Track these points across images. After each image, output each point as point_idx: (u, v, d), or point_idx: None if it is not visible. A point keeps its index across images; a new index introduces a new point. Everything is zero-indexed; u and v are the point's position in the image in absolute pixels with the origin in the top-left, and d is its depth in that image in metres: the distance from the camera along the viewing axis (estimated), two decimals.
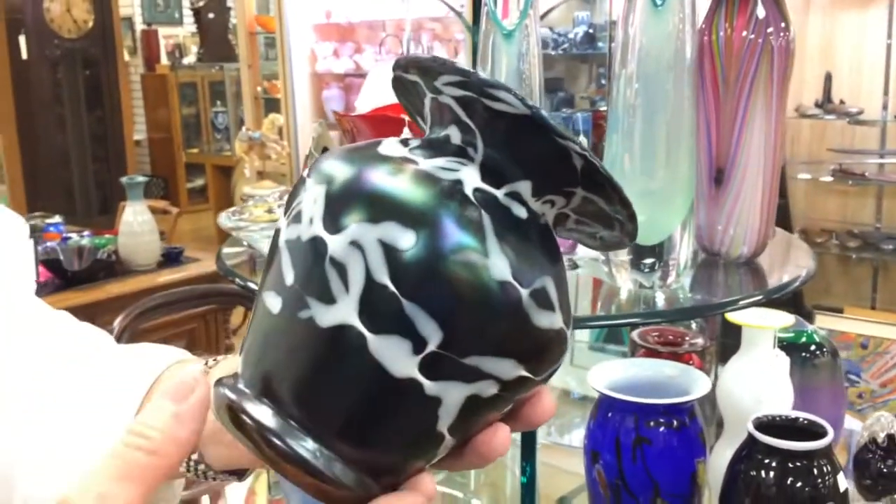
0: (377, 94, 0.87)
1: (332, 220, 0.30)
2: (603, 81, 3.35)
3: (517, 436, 1.03)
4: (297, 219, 0.31)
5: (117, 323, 1.53)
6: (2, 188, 4.70)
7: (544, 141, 0.31)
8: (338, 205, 0.30)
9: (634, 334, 0.95)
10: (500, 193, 0.31)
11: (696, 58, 0.72)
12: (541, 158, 0.31)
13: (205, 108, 6.10)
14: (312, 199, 0.31)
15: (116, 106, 5.01)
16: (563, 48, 3.32)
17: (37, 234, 2.44)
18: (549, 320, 0.31)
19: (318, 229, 0.30)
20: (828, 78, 3.16)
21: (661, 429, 0.71)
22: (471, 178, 0.31)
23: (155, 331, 1.75)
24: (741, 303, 0.72)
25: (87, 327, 0.53)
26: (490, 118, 0.31)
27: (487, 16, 0.68)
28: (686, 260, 0.73)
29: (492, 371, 0.30)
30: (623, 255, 0.72)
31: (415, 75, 0.34)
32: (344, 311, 0.29)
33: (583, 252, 0.83)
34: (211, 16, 5.84)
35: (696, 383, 0.73)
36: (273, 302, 0.31)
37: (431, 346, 0.29)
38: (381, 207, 0.29)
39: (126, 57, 5.51)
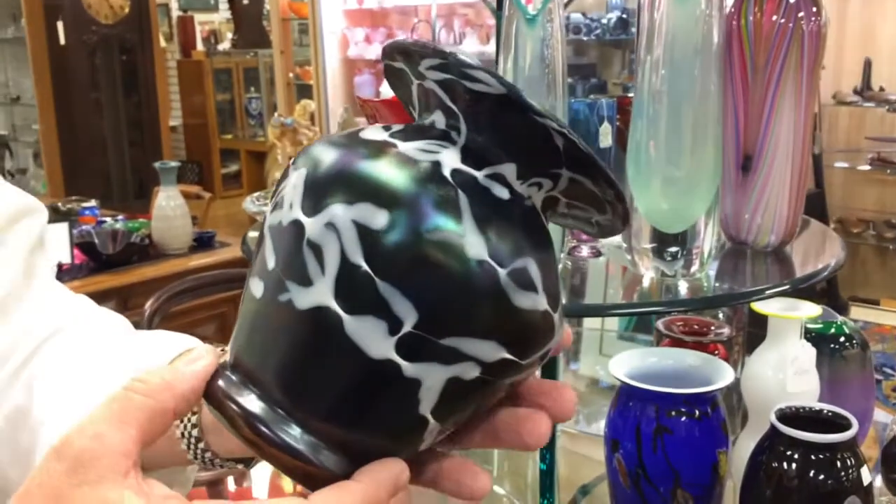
0: None
1: (310, 204, 0.30)
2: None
3: None
4: (279, 204, 0.31)
5: (149, 305, 1.56)
6: (40, 173, 4.78)
7: (523, 120, 0.30)
8: (315, 188, 0.30)
9: (659, 323, 0.94)
10: (480, 175, 0.31)
11: (724, 43, 0.70)
12: (523, 140, 0.31)
13: (239, 94, 6.15)
14: (293, 185, 0.31)
15: (152, 92, 5.07)
16: (595, 34, 3.29)
17: (73, 217, 2.48)
18: (531, 301, 0.30)
19: (297, 213, 0.30)
20: (867, 64, 3.09)
21: (683, 419, 0.70)
22: (450, 159, 0.31)
23: (186, 314, 1.78)
24: (767, 292, 0.71)
25: (105, 311, 0.54)
26: (471, 100, 0.31)
27: (511, 0, 0.68)
28: (710, 248, 0.72)
29: (472, 353, 0.30)
30: (646, 244, 0.72)
31: (400, 62, 0.34)
32: (320, 293, 0.29)
33: (606, 239, 0.82)
34: (245, 2, 5.88)
35: (719, 373, 0.73)
36: (256, 287, 0.32)
37: (407, 327, 0.29)
38: (357, 189, 0.29)
39: (162, 43, 5.57)
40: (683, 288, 0.71)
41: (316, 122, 3.87)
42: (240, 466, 0.45)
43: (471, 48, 3.42)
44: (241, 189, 5.85)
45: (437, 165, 0.30)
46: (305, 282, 0.29)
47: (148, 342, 0.49)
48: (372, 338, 0.29)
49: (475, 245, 0.29)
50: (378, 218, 0.29)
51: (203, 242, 2.52)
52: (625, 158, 0.73)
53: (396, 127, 0.33)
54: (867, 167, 3.20)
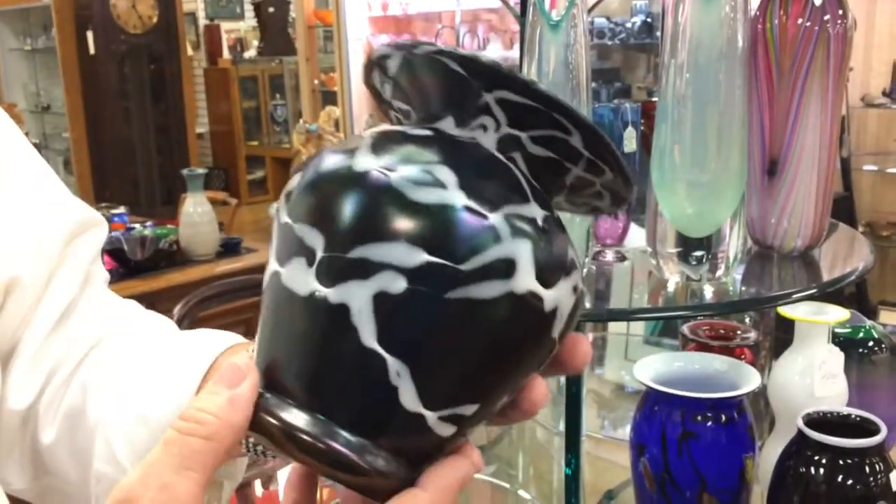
0: None
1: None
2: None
3: (562, 427, 1.03)
4: None
5: (177, 311, 1.57)
6: (70, 180, 4.85)
7: (429, 65, 0.32)
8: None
9: (685, 328, 0.93)
10: (403, 128, 0.33)
11: (750, 46, 0.70)
12: (443, 86, 0.32)
13: (264, 101, 6.21)
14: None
15: (180, 99, 5.13)
16: (620, 38, 3.28)
17: None
18: (437, 196, 0.29)
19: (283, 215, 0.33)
20: None
21: (709, 423, 0.70)
22: (382, 130, 0.33)
23: (213, 319, 1.79)
24: (794, 296, 0.70)
25: (152, 314, 0.57)
26: (404, 72, 0.34)
27: (535, 6, 0.68)
28: (736, 253, 0.71)
29: (383, 259, 0.28)
30: (671, 248, 0.72)
31: (374, 79, 0.36)
32: (271, 264, 0.32)
33: (631, 244, 0.82)
34: (271, 10, 5.93)
35: (745, 378, 0.72)
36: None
37: (319, 253, 0.30)
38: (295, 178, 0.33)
39: (189, 51, 5.63)
40: (709, 292, 0.71)
41: (340, 129, 3.90)
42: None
43: (495, 53, 3.43)
44: (267, 195, 5.90)
45: (363, 139, 0.32)
46: (268, 262, 0.33)
47: (193, 342, 0.51)
48: (299, 278, 0.30)
49: (363, 161, 0.30)
50: (295, 180, 0.32)
51: (229, 248, 2.54)
52: (649, 163, 0.73)
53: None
54: None
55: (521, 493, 1.01)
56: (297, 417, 0.29)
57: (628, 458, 0.76)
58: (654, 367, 0.74)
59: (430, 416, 0.29)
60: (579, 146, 0.32)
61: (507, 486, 1.03)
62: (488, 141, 0.32)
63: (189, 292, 1.70)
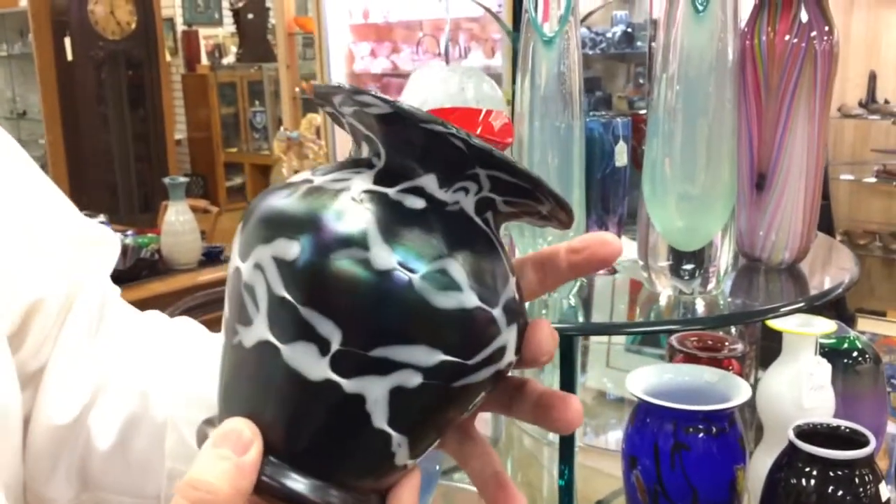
0: (417, 97, 0.88)
1: (243, 249, 0.32)
2: (641, 81, 3.33)
3: (555, 438, 1.03)
4: (231, 257, 0.34)
5: None
6: None
7: (420, 132, 0.31)
8: (246, 235, 0.32)
9: (673, 339, 0.94)
10: (391, 191, 0.32)
11: (738, 62, 0.71)
12: (431, 150, 0.32)
13: (243, 108, 6.18)
14: (237, 237, 0.33)
15: (158, 106, 5.10)
16: (601, 48, 3.31)
17: None
18: (455, 300, 0.30)
19: (236, 260, 0.32)
20: (872, 77, 3.11)
21: (701, 435, 0.71)
22: (361, 183, 0.32)
23: None
24: (783, 310, 0.71)
25: (180, 318, 0.60)
26: (378, 124, 0.32)
27: (528, 23, 0.69)
28: (726, 266, 0.72)
29: (405, 360, 0.30)
30: (662, 261, 0.72)
31: (328, 107, 0.35)
32: (259, 329, 0.31)
33: (622, 256, 0.83)
34: (250, 16, 5.91)
35: (736, 390, 0.73)
36: (222, 338, 0.34)
37: (335, 346, 0.30)
38: (273, 226, 0.31)
39: (167, 57, 5.60)
40: (700, 305, 0.72)
41: (321, 136, 3.89)
42: None
43: (476, 62, 3.44)
44: (246, 202, 5.87)
45: (344, 190, 0.31)
46: (247, 321, 0.31)
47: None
48: (307, 362, 0.30)
49: (382, 257, 0.30)
50: (291, 249, 0.30)
51: (211, 257, 2.53)
52: (638, 176, 0.74)
53: (326, 166, 0.34)
54: (873, 179, 3.21)
55: None
56: (297, 483, 0.31)
57: (612, 466, 0.77)
58: (646, 380, 0.75)
59: (410, 463, 0.33)
60: (544, 210, 0.34)
61: None
62: (468, 203, 0.33)
63: (172, 302, 1.69)
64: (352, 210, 0.31)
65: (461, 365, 0.31)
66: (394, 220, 0.31)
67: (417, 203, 0.32)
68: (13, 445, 0.50)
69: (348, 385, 0.30)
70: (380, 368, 0.30)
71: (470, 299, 0.31)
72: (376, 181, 0.32)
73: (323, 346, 0.30)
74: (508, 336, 0.32)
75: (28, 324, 0.51)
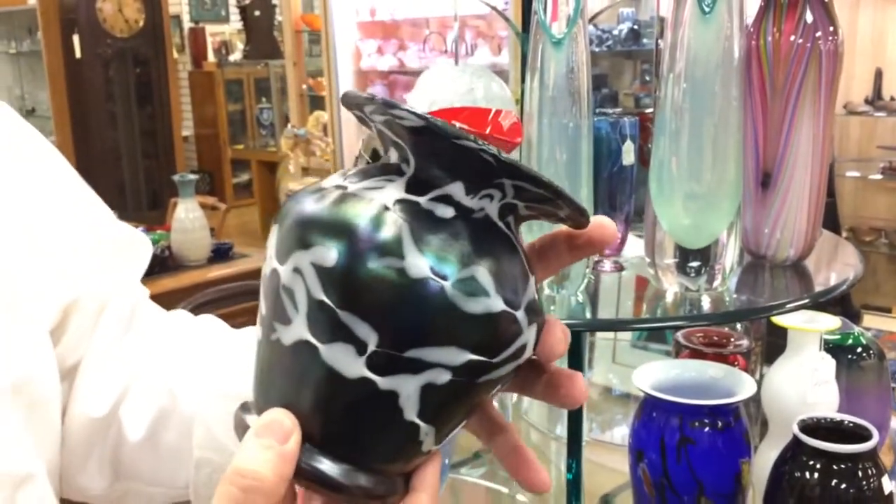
0: (426, 97, 0.89)
1: (281, 253, 0.34)
2: (647, 78, 3.34)
3: (562, 433, 1.05)
4: (267, 257, 0.36)
5: None
6: None
7: (450, 145, 0.33)
8: (284, 239, 0.34)
9: (679, 335, 0.95)
10: (423, 200, 0.34)
11: (744, 62, 0.72)
12: (459, 161, 0.34)
13: (250, 105, 6.19)
14: (272, 238, 0.35)
15: (166, 103, 5.12)
16: (607, 45, 3.31)
17: None
18: (483, 305, 0.33)
19: (274, 262, 0.34)
20: (878, 74, 3.11)
21: (706, 429, 0.72)
22: (394, 191, 0.34)
23: None
24: (788, 307, 0.72)
25: (204, 316, 0.63)
26: (409, 135, 0.34)
27: (537, 24, 0.70)
28: (732, 264, 0.73)
29: (436, 360, 0.32)
30: (669, 259, 0.73)
31: (357, 111, 0.37)
32: (298, 329, 0.33)
33: (629, 253, 0.84)
34: (257, 13, 5.92)
35: (741, 385, 0.74)
36: (258, 332, 0.36)
37: (371, 347, 0.32)
38: (311, 233, 0.33)
39: (174, 54, 5.62)
40: (705, 302, 0.73)
41: (328, 133, 3.90)
42: None
43: (483, 59, 3.45)
44: (252, 199, 5.89)
45: (379, 199, 0.33)
46: (286, 321, 0.33)
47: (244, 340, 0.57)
48: (345, 361, 0.32)
49: (416, 264, 0.32)
50: (329, 256, 0.32)
51: (220, 253, 2.55)
52: (645, 174, 0.75)
53: (354, 169, 0.36)
54: (878, 176, 3.21)
55: (519, 497, 1.02)
56: (331, 468, 0.34)
57: (618, 461, 0.77)
58: (653, 375, 0.76)
59: (435, 448, 0.36)
60: (562, 214, 0.36)
61: (504, 489, 1.04)
62: (493, 208, 0.35)
63: (182, 298, 1.71)
64: (386, 219, 0.32)
65: (487, 363, 0.33)
66: (426, 228, 0.33)
67: (447, 212, 0.34)
68: (53, 434, 0.53)
69: (383, 382, 0.32)
70: (412, 368, 0.32)
71: (496, 304, 0.33)
72: (408, 189, 0.34)
73: (360, 347, 0.32)
74: (529, 335, 0.35)
75: (66, 320, 0.54)
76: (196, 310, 1.68)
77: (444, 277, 0.32)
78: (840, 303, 2.72)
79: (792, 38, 0.76)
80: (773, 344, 0.99)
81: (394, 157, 0.36)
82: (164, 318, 0.62)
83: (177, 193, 2.46)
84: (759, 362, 1.08)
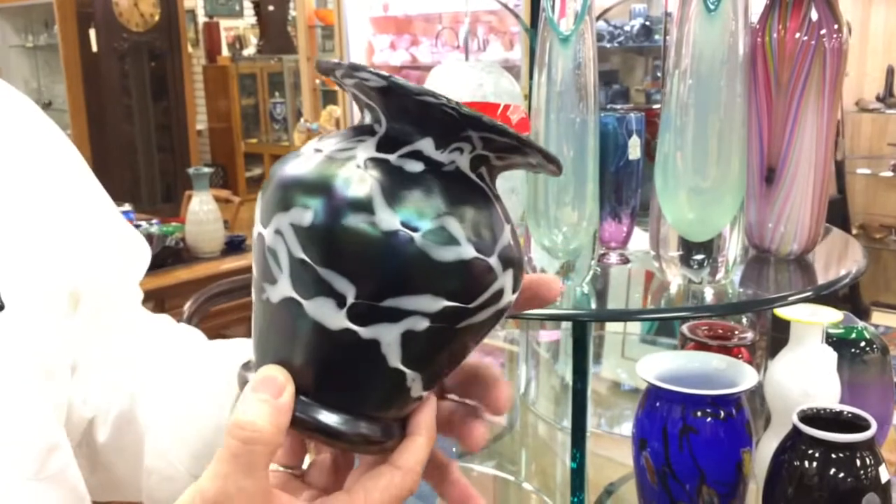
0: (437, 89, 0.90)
1: (264, 216, 0.36)
2: (659, 74, 3.34)
3: (568, 424, 1.06)
4: (255, 223, 0.38)
5: (187, 307, 1.62)
6: None
7: (414, 101, 0.35)
8: (266, 203, 0.36)
9: (684, 328, 0.97)
10: (392, 157, 0.35)
11: (749, 58, 0.73)
12: (426, 117, 0.35)
13: (263, 99, 6.23)
14: (258, 203, 0.37)
15: (181, 97, 5.15)
16: (618, 41, 3.31)
17: None
18: (455, 253, 0.34)
19: (259, 226, 0.36)
20: (890, 72, 3.10)
21: (708, 419, 0.73)
22: (365, 151, 0.35)
23: (221, 314, 1.85)
24: (790, 299, 0.74)
25: (182, 326, 0.64)
26: (377, 95, 0.36)
27: (545, 21, 0.71)
28: (735, 257, 0.75)
29: (413, 308, 0.34)
30: (673, 252, 0.75)
31: (333, 78, 0.38)
32: (283, 287, 0.35)
33: (634, 247, 0.86)
34: (271, 8, 5.95)
35: (743, 376, 0.76)
36: (253, 294, 0.38)
37: (350, 299, 0.34)
38: (288, 195, 0.35)
39: (189, 49, 5.65)
40: (709, 294, 0.75)
41: (341, 128, 3.92)
42: None
43: (495, 55, 3.46)
44: None
45: (350, 159, 0.35)
46: (272, 280, 0.36)
47: (223, 350, 0.58)
48: (328, 314, 0.34)
49: (386, 219, 0.33)
50: (306, 216, 0.34)
51: (234, 246, 2.57)
52: (651, 169, 0.76)
53: (332, 135, 0.38)
54: (889, 173, 3.20)
55: (525, 485, 1.04)
56: (328, 417, 0.36)
57: (624, 454, 0.79)
58: (657, 365, 0.77)
59: (425, 394, 0.38)
60: (534, 161, 0.38)
61: (510, 478, 1.06)
62: (464, 161, 0.36)
63: (196, 290, 1.74)
64: (358, 178, 0.34)
65: (462, 309, 0.35)
66: (396, 184, 0.34)
67: (416, 167, 0.35)
68: (61, 409, 0.54)
69: (364, 332, 0.34)
70: (391, 316, 0.34)
71: (468, 251, 0.35)
72: (378, 148, 0.36)
73: (340, 300, 0.34)
74: (505, 280, 0.36)
75: (73, 308, 0.56)
76: (209, 301, 1.71)
77: (414, 229, 0.34)
78: (849, 299, 2.72)
79: (797, 35, 0.77)
80: (778, 338, 1.00)
81: (368, 119, 0.38)
82: (147, 323, 0.63)
83: (191, 186, 2.49)
84: (764, 357, 1.09)
